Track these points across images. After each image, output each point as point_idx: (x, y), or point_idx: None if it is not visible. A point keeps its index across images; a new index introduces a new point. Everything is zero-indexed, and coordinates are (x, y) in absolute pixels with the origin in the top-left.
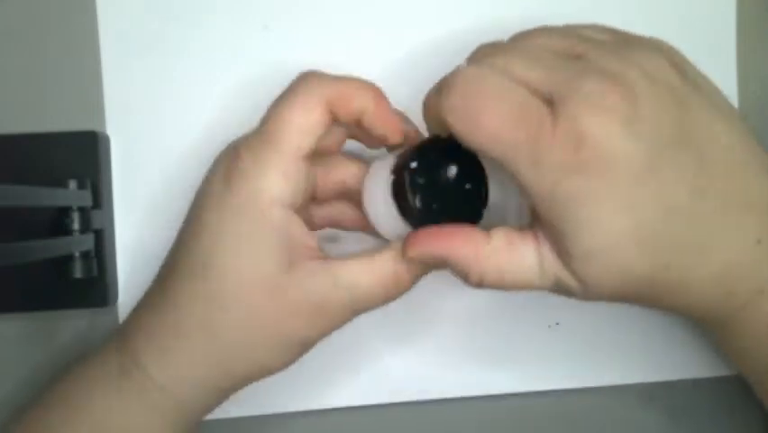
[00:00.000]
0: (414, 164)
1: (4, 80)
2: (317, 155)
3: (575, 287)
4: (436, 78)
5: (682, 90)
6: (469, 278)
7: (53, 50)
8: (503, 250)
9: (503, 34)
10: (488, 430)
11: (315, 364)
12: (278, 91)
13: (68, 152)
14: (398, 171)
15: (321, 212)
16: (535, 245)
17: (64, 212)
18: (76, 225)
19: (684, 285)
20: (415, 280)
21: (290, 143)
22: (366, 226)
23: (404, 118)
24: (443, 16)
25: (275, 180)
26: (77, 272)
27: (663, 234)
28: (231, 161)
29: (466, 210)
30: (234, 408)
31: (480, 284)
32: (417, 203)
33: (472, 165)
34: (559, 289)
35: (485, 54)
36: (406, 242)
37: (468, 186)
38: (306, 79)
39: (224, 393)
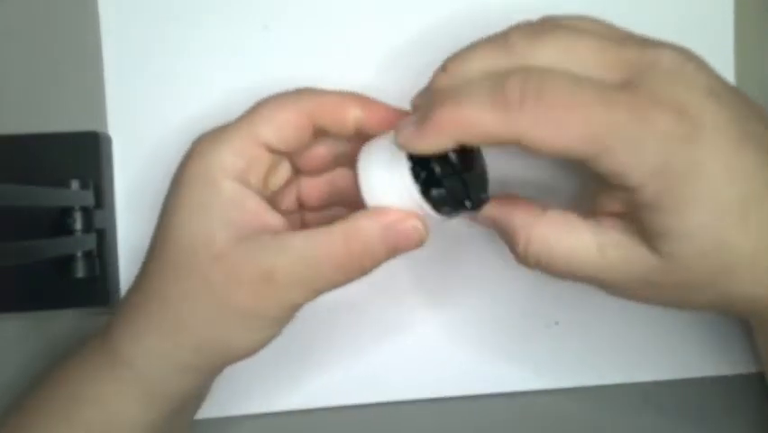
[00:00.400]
0: (440, 166)
1: (6, 81)
2: (300, 172)
3: (652, 266)
4: None
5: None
6: (515, 245)
7: (55, 51)
8: (554, 221)
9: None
10: (486, 429)
11: (310, 362)
12: (277, 91)
13: (71, 152)
14: (428, 178)
15: (317, 216)
16: (595, 227)
17: (66, 212)
18: (78, 225)
19: None
20: (374, 258)
21: (250, 126)
22: None
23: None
24: (442, 15)
25: (226, 153)
26: (80, 272)
27: (766, 206)
28: (193, 143)
29: (484, 193)
30: (235, 407)
31: (525, 254)
32: (467, 198)
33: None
34: (624, 270)
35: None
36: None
37: (482, 172)
38: (294, 89)
39: (198, 374)
